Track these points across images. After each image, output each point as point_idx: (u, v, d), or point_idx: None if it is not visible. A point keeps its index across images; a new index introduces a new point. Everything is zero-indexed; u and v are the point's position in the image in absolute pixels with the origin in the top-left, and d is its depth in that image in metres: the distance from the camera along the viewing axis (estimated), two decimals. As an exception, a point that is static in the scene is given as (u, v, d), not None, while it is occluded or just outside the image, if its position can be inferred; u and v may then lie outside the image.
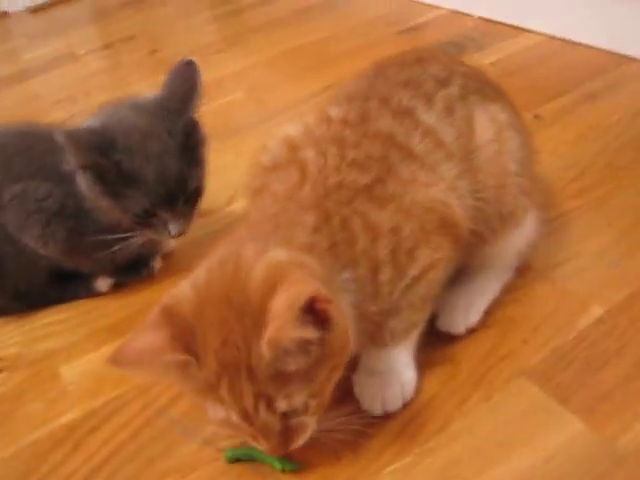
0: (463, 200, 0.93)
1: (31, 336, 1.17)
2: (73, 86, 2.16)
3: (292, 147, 0.94)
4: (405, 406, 0.94)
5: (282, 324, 0.67)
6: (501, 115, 1.01)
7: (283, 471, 0.88)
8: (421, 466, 0.87)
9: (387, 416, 0.93)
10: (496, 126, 0.99)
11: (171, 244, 1.26)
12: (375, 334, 0.87)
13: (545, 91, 1.59)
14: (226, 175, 1.44)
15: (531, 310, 1.06)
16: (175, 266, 1.26)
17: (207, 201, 1.21)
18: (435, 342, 1.01)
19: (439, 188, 0.91)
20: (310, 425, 0.80)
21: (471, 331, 1.03)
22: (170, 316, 0.73)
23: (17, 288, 1.19)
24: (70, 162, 1.07)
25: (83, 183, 1.09)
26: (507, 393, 0.95)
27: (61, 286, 1.22)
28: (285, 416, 0.76)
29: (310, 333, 0.70)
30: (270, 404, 0.74)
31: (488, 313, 1.05)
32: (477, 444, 0.89)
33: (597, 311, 1.04)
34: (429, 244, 0.88)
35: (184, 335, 0.72)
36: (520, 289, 1.09)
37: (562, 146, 1.41)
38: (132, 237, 1.12)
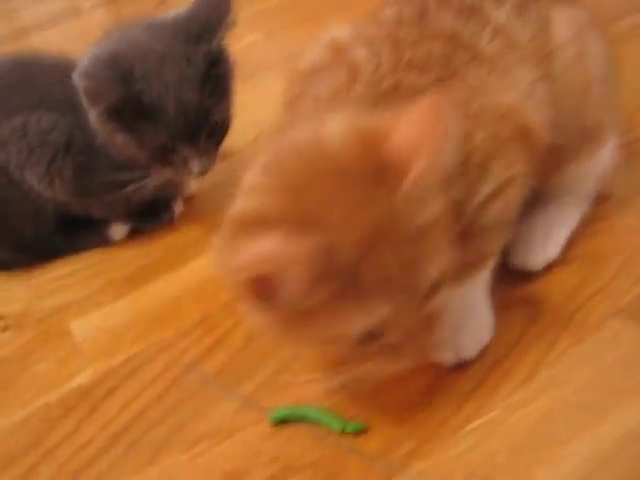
0: (541, 109, 0.79)
1: (38, 291, 1.03)
2: (76, 40, 2.02)
3: (338, 49, 0.80)
4: (482, 354, 0.78)
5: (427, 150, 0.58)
6: (581, 14, 0.87)
7: (343, 432, 0.72)
8: (509, 422, 0.73)
9: (461, 366, 0.77)
10: (576, 25, 0.85)
11: (192, 187, 1.12)
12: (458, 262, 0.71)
13: (615, 9, 1.42)
14: (248, 115, 1.29)
15: (617, 242, 0.92)
16: (197, 211, 1.11)
17: (229, 142, 1.06)
18: (510, 281, 0.86)
19: (514, 94, 0.77)
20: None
21: (551, 267, 0.89)
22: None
23: (22, 238, 1.05)
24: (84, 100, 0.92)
25: (94, 118, 0.94)
26: (601, 336, 0.80)
27: (71, 235, 1.08)
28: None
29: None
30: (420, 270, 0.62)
31: (568, 247, 0.91)
32: (572, 396, 0.75)
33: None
34: (504, 155, 0.74)
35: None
36: (601, 220, 0.95)
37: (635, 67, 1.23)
38: (149, 177, 0.97)
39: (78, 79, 0.89)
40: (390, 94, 0.72)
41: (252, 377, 0.82)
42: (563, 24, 0.85)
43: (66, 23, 2.14)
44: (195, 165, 0.96)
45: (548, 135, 0.79)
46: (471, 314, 0.80)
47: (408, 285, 0.61)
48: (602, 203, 0.97)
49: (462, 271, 0.74)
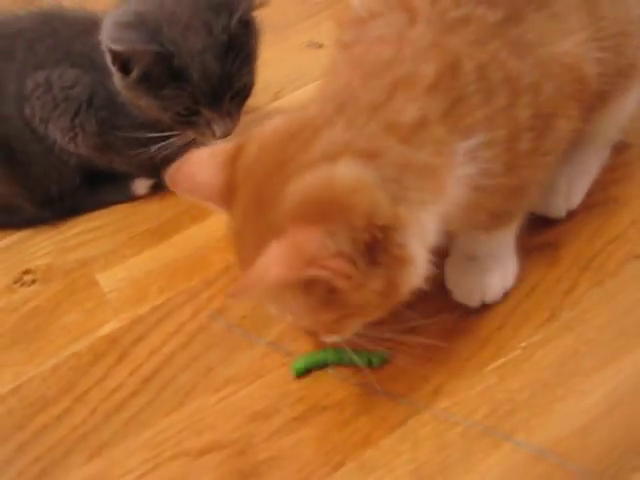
0: (591, 55, 0.75)
1: (64, 245, 1.03)
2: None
3: None
4: (505, 296, 0.79)
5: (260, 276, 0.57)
6: None
7: (370, 365, 0.73)
8: (531, 360, 0.74)
9: (485, 308, 0.78)
10: None
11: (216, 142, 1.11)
12: (488, 215, 0.71)
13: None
14: (270, 71, 1.28)
15: (636, 189, 0.92)
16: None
17: (252, 98, 1.05)
18: (532, 227, 0.85)
19: (573, 43, 0.73)
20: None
21: (572, 214, 0.88)
22: (234, 161, 0.64)
23: (47, 193, 1.05)
24: (106, 57, 0.91)
25: (121, 83, 0.93)
26: (621, 278, 0.81)
27: (95, 190, 1.08)
28: None
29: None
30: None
31: (588, 193, 0.90)
32: (594, 334, 0.76)
33: None
34: (566, 112, 0.72)
35: (229, 187, 0.65)
36: (620, 168, 0.95)
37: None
38: (172, 137, 0.97)
39: (108, 44, 0.88)
40: (459, 27, 0.67)
41: (276, 324, 0.83)
42: None
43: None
44: (218, 127, 0.96)
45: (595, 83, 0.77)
46: (497, 260, 0.81)
47: None
48: (623, 151, 0.97)
49: (497, 223, 0.74)
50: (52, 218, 1.06)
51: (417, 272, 0.61)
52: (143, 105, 0.94)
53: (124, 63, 0.88)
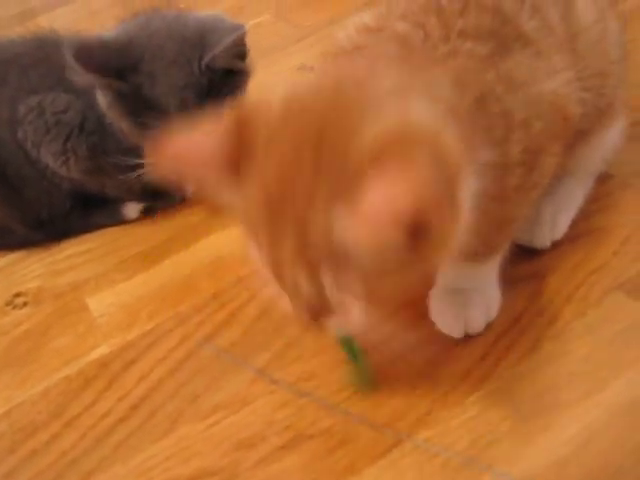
0: (575, 95, 0.77)
1: (55, 268, 1.05)
2: (85, 20, 2.03)
3: (374, 28, 0.75)
4: (489, 327, 0.80)
5: (369, 230, 0.50)
6: None
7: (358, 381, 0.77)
8: (513, 392, 0.75)
9: (468, 339, 0.80)
10: (599, 5, 0.84)
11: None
12: (473, 246, 0.71)
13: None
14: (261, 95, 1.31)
15: (618, 220, 0.93)
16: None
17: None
18: (516, 257, 0.87)
19: (561, 80, 0.74)
20: (355, 312, 0.61)
21: (556, 244, 0.90)
22: (239, 125, 0.57)
23: (39, 216, 1.07)
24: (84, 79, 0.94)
25: (102, 101, 0.96)
26: (603, 310, 0.82)
27: (86, 214, 1.10)
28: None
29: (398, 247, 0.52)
30: (313, 274, 0.57)
31: (572, 224, 0.92)
32: (575, 367, 0.77)
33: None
34: (550, 149, 0.73)
35: (241, 152, 0.57)
36: (603, 198, 0.96)
37: None
38: None
39: (68, 50, 0.91)
40: (447, 59, 0.67)
41: (264, 350, 0.85)
42: (586, 3, 0.83)
43: (75, 3, 2.14)
44: None
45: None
46: (480, 292, 0.82)
47: (295, 270, 0.59)
48: (605, 182, 0.99)
49: (481, 255, 0.76)
50: (44, 240, 1.08)
51: (459, 236, 0.59)
52: (125, 128, 0.95)
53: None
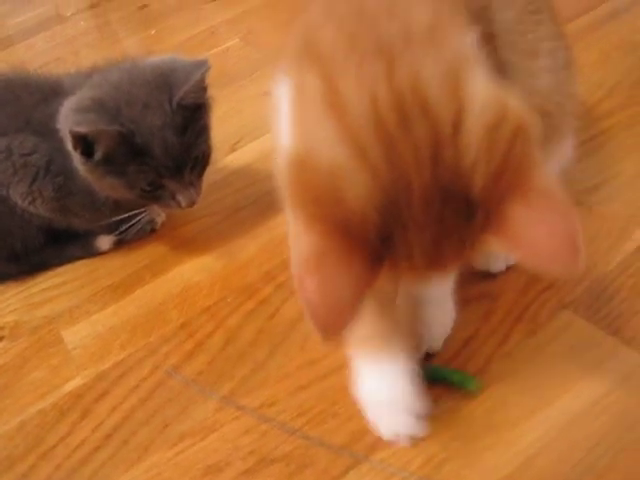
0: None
1: (30, 302, 1.08)
2: (61, 47, 2.07)
3: None
4: (443, 347, 0.84)
5: (532, 252, 0.53)
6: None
7: (464, 386, 0.82)
8: (464, 411, 0.80)
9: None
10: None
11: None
12: None
13: (562, 12, 1.47)
14: (227, 123, 1.36)
15: (569, 239, 0.96)
16: (177, 219, 1.17)
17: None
18: (468, 279, 0.91)
19: None
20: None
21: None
22: (337, 227, 0.52)
23: (13, 250, 1.10)
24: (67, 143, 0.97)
25: (80, 165, 0.99)
26: (552, 328, 0.87)
27: (59, 247, 1.13)
28: None
29: None
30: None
31: (523, 244, 0.95)
32: (524, 384, 0.81)
33: (641, 236, 0.94)
34: None
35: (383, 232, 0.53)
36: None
37: (585, 68, 1.30)
38: (141, 213, 1.06)
39: (70, 132, 0.93)
40: None
41: (230, 378, 0.89)
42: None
43: (50, 31, 2.17)
44: (183, 198, 1.02)
45: None
46: (440, 309, 0.86)
47: None
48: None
49: None
50: (18, 274, 1.11)
51: None
52: (106, 186, 1.00)
53: (87, 145, 0.94)
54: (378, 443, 0.78)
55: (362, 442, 0.78)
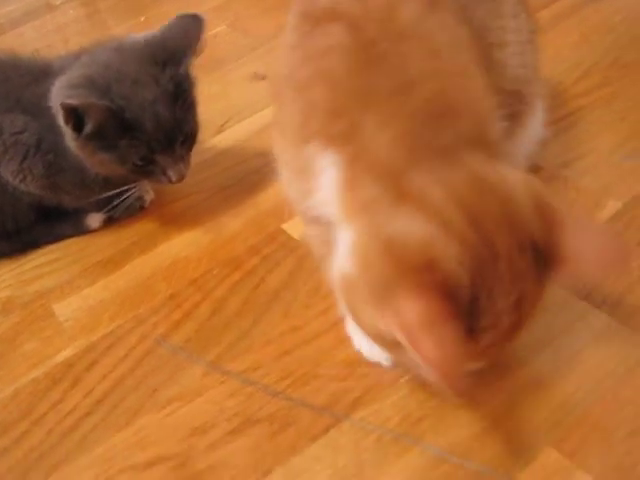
0: None
1: (22, 278, 1.11)
2: (50, 35, 2.09)
3: None
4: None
5: (591, 264, 0.64)
6: None
7: None
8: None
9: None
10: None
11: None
12: None
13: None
14: (215, 104, 1.39)
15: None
16: (166, 197, 1.20)
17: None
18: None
19: None
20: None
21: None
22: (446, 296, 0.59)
23: (4, 228, 1.13)
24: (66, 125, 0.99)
25: (75, 142, 1.02)
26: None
27: (50, 225, 1.16)
28: None
29: None
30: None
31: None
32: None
33: (614, 205, 0.99)
34: None
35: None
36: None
37: (564, 49, 1.34)
38: (129, 190, 1.09)
39: (61, 105, 0.96)
40: None
41: (216, 345, 0.92)
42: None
43: (40, 19, 2.19)
44: (174, 173, 1.05)
45: None
46: None
47: None
48: (534, 174, 1.06)
49: None
50: (10, 252, 1.14)
51: None
52: (97, 162, 1.02)
53: (77, 119, 0.96)
54: (358, 403, 0.81)
55: (342, 402, 0.82)
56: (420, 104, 0.66)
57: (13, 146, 1.05)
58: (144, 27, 1.93)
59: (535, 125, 0.98)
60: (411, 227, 0.61)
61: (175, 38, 1.05)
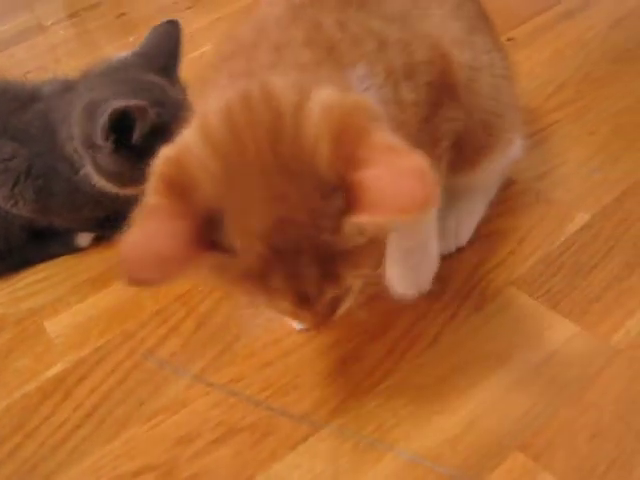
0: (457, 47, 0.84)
1: (14, 296, 1.14)
2: (42, 56, 2.13)
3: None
4: (395, 323, 0.92)
5: (389, 210, 0.54)
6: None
7: None
8: (415, 380, 0.88)
9: (376, 335, 0.91)
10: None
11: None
12: None
13: (519, 13, 1.56)
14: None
15: (516, 222, 1.05)
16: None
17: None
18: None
19: (434, 21, 0.82)
20: (351, 296, 0.68)
21: (458, 248, 1.00)
22: (183, 196, 0.57)
23: (-4, 250, 1.15)
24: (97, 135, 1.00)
25: (107, 161, 1.04)
26: (497, 303, 0.94)
27: (41, 245, 1.19)
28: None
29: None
30: (336, 283, 0.62)
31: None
32: (469, 355, 0.89)
33: (583, 217, 1.03)
34: (446, 107, 0.82)
35: (210, 224, 0.57)
36: (504, 202, 1.08)
37: (538, 66, 1.38)
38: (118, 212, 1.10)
39: (113, 108, 0.96)
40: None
41: (201, 358, 0.96)
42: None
43: (31, 40, 2.22)
44: None
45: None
46: (424, 253, 0.92)
47: (323, 290, 0.63)
48: (508, 187, 1.11)
49: None
50: (3, 271, 1.17)
51: None
52: (132, 175, 1.02)
53: (125, 124, 0.98)
54: (335, 411, 0.85)
55: (321, 411, 0.85)
56: None
57: (3, 173, 1.08)
58: (133, 47, 1.97)
59: (513, 150, 1.02)
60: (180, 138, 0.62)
61: (162, 45, 1.11)
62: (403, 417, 0.83)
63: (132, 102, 0.97)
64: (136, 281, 0.58)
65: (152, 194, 0.59)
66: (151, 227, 0.58)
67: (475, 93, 0.88)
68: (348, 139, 0.56)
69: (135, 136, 1.00)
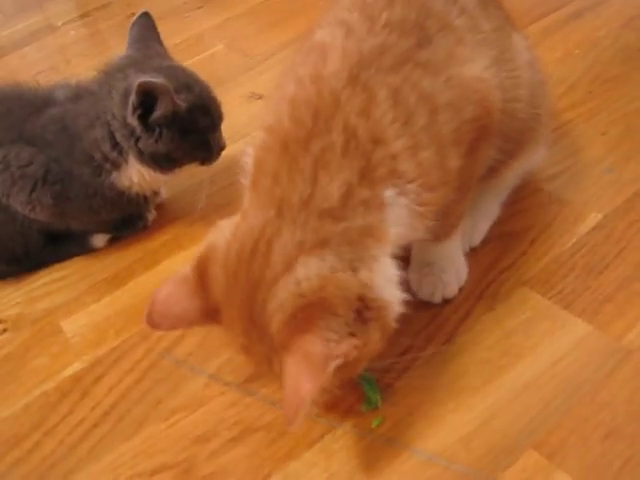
0: (497, 85, 0.85)
1: (31, 296, 1.16)
2: (53, 56, 2.13)
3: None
4: (410, 324, 0.92)
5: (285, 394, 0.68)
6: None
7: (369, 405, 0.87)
8: (429, 379, 0.89)
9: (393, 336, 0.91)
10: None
11: (163, 195, 1.25)
12: (436, 229, 0.82)
13: (529, 13, 1.56)
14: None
15: (529, 222, 1.06)
16: (167, 215, 1.25)
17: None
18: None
19: (480, 66, 0.82)
20: None
21: (471, 248, 1.01)
22: (204, 284, 0.75)
23: (13, 253, 1.18)
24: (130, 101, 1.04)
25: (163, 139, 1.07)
26: (510, 303, 0.95)
27: (57, 246, 1.21)
28: None
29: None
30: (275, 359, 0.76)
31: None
32: (483, 354, 0.89)
33: (595, 218, 1.03)
34: (483, 139, 0.84)
35: (213, 308, 0.75)
36: (517, 203, 1.09)
37: (549, 66, 1.38)
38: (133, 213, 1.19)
39: (140, 82, 1.00)
40: (376, 59, 0.74)
41: (217, 357, 0.97)
42: (519, 38, 0.97)
43: (42, 40, 2.23)
44: (222, 144, 1.15)
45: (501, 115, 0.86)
46: (453, 259, 0.95)
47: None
48: (520, 188, 1.12)
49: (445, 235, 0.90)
50: (20, 272, 1.19)
51: (396, 305, 0.74)
52: (170, 148, 1.07)
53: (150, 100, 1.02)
54: (350, 411, 0.86)
55: (336, 410, 0.86)
56: None
57: (21, 179, 1.09)
58: (144, 47, 1.98)
59: (539, 153, 1.05)
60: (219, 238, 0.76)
61: (150, 37, 1.15)
62: (418, 416, 0.84)
63: (157, 80, 1.00)
64: (154, 326, 0.78)
65: (190, 262, 0.77)
66: (177, 293, 0.77)
67: (511, 117, 0.89)
68: (296, 325, 0.68)
69: (155, 114, 1.03)
